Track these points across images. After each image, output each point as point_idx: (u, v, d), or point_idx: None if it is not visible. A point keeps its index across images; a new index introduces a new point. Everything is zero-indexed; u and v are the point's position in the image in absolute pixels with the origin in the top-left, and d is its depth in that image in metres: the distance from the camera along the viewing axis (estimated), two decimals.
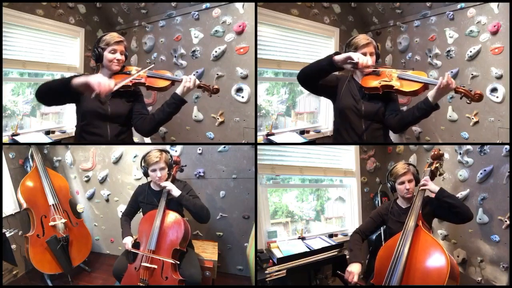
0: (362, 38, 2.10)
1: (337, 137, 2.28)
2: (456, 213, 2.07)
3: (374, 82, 2.07)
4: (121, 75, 2.11)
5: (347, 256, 2.59)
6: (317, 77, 2.11)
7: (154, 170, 2.32)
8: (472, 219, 2.12)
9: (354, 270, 2.08)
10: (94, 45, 2.11)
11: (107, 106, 2.09)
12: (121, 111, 2.11)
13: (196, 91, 3.27)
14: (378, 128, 2.15)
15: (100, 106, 2.07)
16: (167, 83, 2.11)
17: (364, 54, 2.07)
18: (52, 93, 1.93)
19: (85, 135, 2.11)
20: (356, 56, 1.98)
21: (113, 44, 2.06)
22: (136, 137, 3.28)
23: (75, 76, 1.88)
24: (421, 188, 2.11)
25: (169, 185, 2.31)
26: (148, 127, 2.11)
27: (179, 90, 2.04)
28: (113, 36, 2.08)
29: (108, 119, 2.09)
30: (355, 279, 2.06)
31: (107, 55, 2.07)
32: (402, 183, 2.24)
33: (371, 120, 2.12)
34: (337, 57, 1.99)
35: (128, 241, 2.33)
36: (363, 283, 2.14)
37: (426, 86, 2.01)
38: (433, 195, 2.11)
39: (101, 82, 1.78)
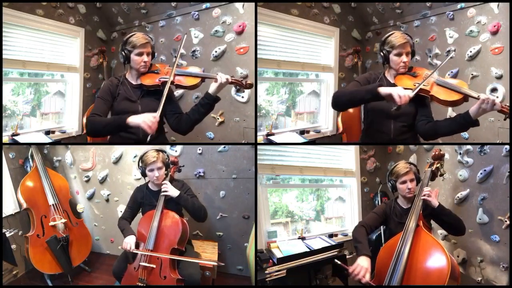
0: (399, 37, 2.01)
1: (365, 138, 2.23)
2: (452, 229, 2.15)
3: (408, 83, 1.98)
4: (149, 74, 2.16)
5: (349, 253, 2.44)
6: (356, 105, 2.08)
7: (151, 170, 2.34)
8: (464, 234, 2.17)
9: (366, 265, 1.83)
10: (120, 46, 2.14)
11: (138, 105, 2.12)
12: (152, 111, 2.03)
13: (195, 91, 3.27)
14: (407, 130, 2.11)
15: (130, 107, 2.11)
16: (196, 81, 2.13)
17: (400, 54, 2.02)
18: (106, 132, 2.14)
19: (122, 133, 2.14)
20: (398, 97, 1.82)
21: (139, 47, 2.09)
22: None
23: (123, 118, 1.97)
24: (423, 197, 2.01)
25: (168, 187, 2.30)
26: (185, 127, 2.18)
27: (211, 90, 2.06)
28: (139, 38, 2.10)
29: None
30: (367, 277, 1.80)
31: (134, 57, 2.12)
32: (404, 182, 2.22)
33: (400, 121, 2.08)
34: (382, 91, 1.88)
35: (132, 241, 2.23)
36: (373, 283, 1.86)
37: (465, 98, 1.89)
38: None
39: (149, 125, 1.90)
